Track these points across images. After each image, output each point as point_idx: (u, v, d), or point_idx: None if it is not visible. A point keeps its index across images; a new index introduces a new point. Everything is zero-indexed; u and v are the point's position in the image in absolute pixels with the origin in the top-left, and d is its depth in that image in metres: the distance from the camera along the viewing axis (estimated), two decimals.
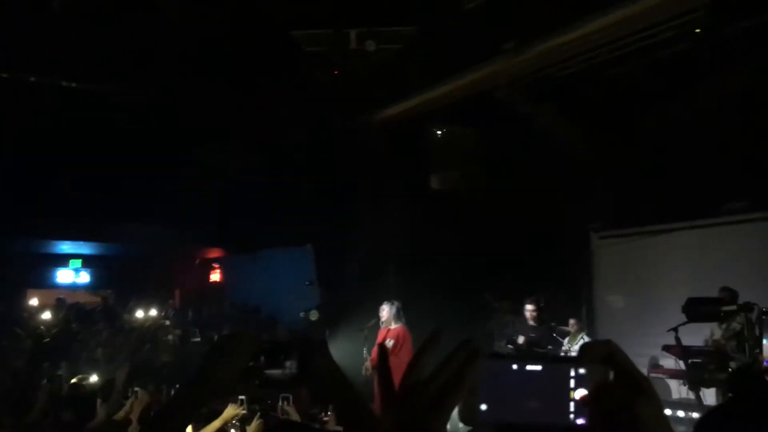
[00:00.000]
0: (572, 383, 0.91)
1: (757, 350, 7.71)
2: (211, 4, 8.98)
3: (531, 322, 9.91)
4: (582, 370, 0.91)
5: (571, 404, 0.91)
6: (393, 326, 8.45)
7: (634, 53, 9.04)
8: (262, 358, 1.60)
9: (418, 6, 8.78)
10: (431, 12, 8.83)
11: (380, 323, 8.58)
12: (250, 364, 1.59)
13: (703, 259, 10.31)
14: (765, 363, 7.55)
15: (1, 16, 8.57)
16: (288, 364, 1.60)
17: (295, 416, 5.13)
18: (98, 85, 11.67)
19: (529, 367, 0.92)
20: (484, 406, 0.90)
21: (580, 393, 0.91)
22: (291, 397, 5.19)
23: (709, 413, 2.40)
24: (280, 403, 5.19)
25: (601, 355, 0.91)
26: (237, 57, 10.89)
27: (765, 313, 7.80)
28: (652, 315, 10.27)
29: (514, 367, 0.92)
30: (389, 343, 8.32)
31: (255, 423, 5.05)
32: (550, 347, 9.97)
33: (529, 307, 9.92)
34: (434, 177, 12.99)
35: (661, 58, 9.13)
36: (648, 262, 11.34)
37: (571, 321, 10.89)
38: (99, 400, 5.03)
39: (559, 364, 0.94)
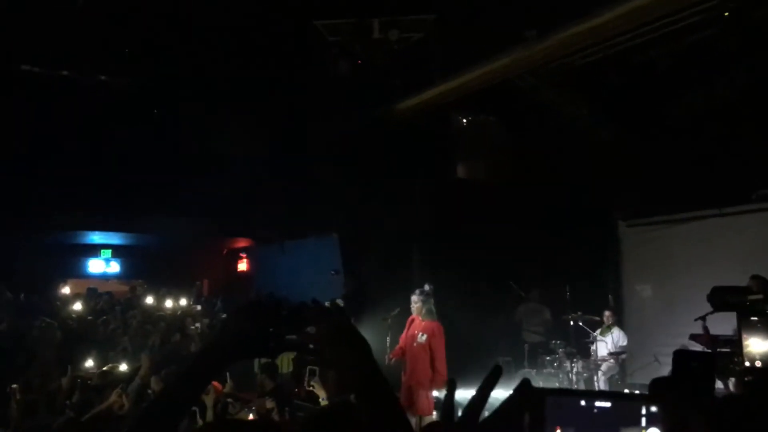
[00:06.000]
0: (644, 421, 0.91)
1: None
2: None
3: None
4: (654, 408, 0.91)
5: None
6: (423, 318, 8.35)
7: (660, 39, 8.89)
8: (283, 323, 1.62)
9: None
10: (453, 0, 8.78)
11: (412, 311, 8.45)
12: (270, 329, 1.61)
13: (733, 247, 10.13)
14: None
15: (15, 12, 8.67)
16: (309, 329, 1.62)
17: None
18: (125, 78, 11.81)
19: (598, 404, 0.92)
20: None
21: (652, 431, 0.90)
22: None
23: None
24: None
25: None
26: (261, 47, 10.95)
27: None
28: (681, 303, 10.13)
29: (582, 403, 0.92)
30: (422, 337, 8.22)
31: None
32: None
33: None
34: (460, 166, 12.95)
35: (688, 44, 8.98)
36: (676, 250, 11.17)
37: (606, 313, 10.88)
38: (119, 391, 5.10)
39: (630, 401, 0.93)
